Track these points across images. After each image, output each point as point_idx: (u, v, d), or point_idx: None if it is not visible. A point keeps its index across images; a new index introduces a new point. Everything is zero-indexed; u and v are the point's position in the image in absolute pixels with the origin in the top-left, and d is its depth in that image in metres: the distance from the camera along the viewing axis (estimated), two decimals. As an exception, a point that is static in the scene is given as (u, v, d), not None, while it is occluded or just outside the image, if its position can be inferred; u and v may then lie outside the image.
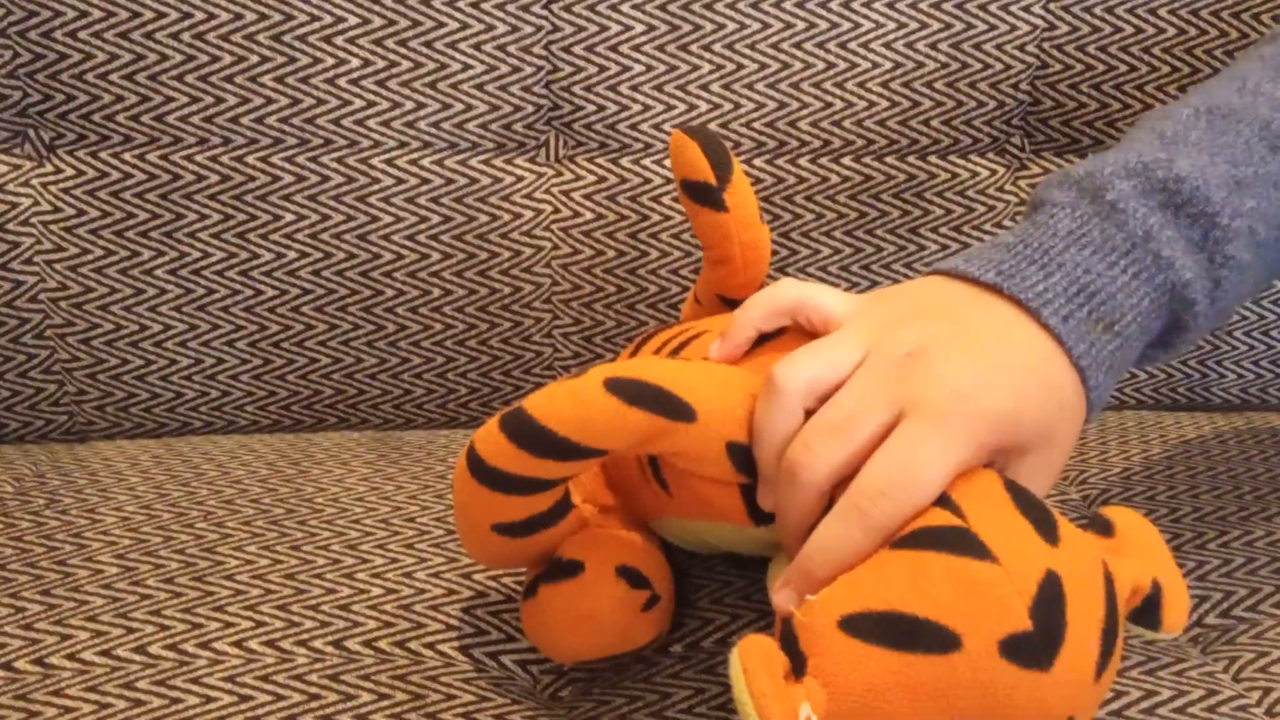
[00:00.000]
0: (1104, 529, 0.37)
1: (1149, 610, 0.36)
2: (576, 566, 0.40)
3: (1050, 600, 0.31)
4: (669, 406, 0.35)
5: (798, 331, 0.41)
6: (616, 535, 0.42)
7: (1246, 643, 0.45)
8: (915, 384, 0.35)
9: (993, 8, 0.62)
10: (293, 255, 0.61)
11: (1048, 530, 0.33)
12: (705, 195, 0.47)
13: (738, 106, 0.62)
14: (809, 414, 0.37)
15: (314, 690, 0.41)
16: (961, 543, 0.32)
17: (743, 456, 0.37)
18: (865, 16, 0.62)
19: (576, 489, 0.42)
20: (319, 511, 0.53)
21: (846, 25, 0.62)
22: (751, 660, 0.30)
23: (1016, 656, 0.30)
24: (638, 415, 0.34)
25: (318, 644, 0.43)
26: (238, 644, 0.43)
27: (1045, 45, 0.63)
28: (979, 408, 0.35)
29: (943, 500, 0.33)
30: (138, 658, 0.42)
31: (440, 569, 0.48)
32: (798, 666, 0.32)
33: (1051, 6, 0.63)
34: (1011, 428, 0.36)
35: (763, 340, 0.42)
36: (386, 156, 0.61)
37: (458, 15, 0.59)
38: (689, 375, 0.36)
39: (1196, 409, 0.71)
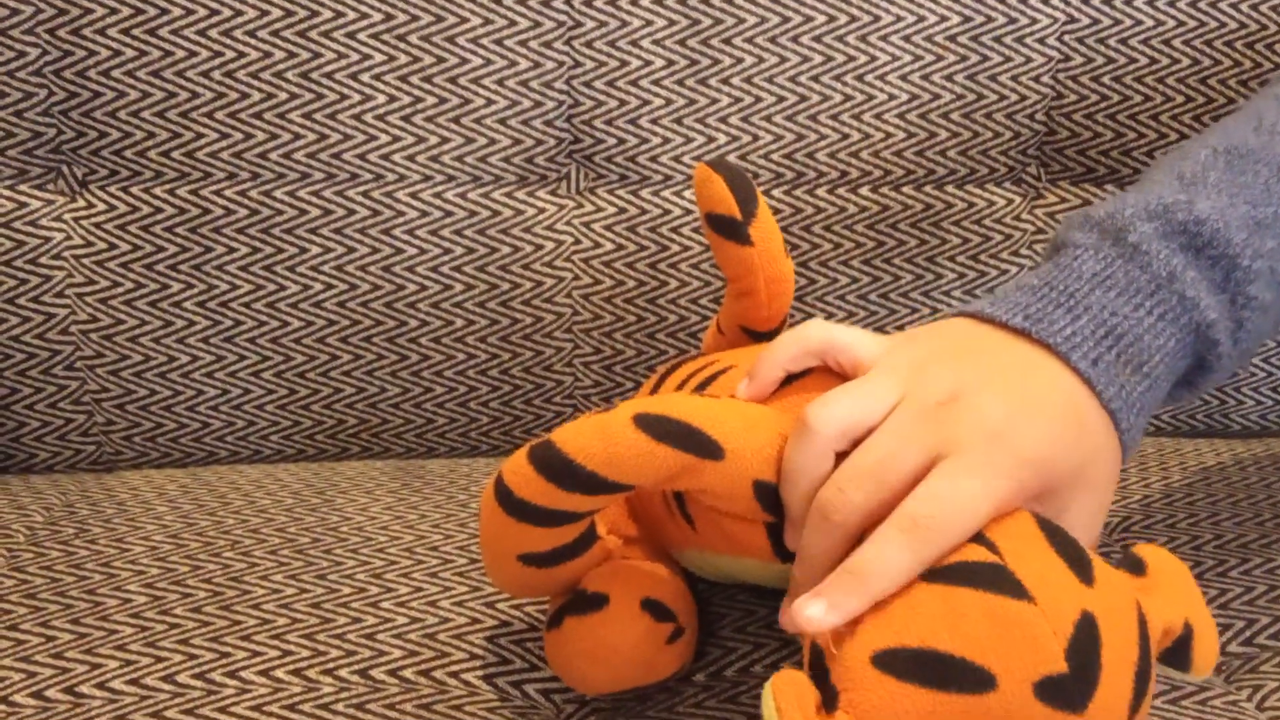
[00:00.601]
0: (1136, 568, 0.37)
1: (1179, 651, 0.36)
2: (601, 599, 0.40)
3: (1086, 641, 0.31)
4: (697, 444, 0.35)
5: (825, 372, 0.41)
6: (641, 568, 0.42)
7: (1270, 671, 0.45)
8: (950, 429, 0.36)
9: (1008, 39, 0.63)
10: (318, 287, 0.62)
11: (1083, 570, 0.33)
12: (730, 229, 0.47)
13: (756, 138, 0.63)
14: (839, 456, 0.37)
15: None
16: (998, 580, 0.32)
17: (769, 496, 0.38)
18: (881, 49, 0.62)
19: (601, 520, 0.43)
20: (344, 540, 0.53)
21: (863, 58, 0.63)
22: (786, 699, 0.30)
23: (1051, 698, 0.30)
24: (666, 452, 0.34)
25: (343, 673, 0.44)
26: (265, 673, 0.43)
27: (1060, 76, 0.64)
28: (1015, 450, 0.35)
29: (978, 538, 0.34)
30: (166, 687, 0.43)
31: (464, 598, 0.48)
32: (828, 700, 0.32)
33: (1066, 38, 0.63)
34: (1047, 471, 0.36)
35: (789, 380, 0.42)
36: (411, 190, 0.62)
37: (481, 52, 0.60)
38: (718, 413, 0.37)
39: (1216, 436, 0.71)
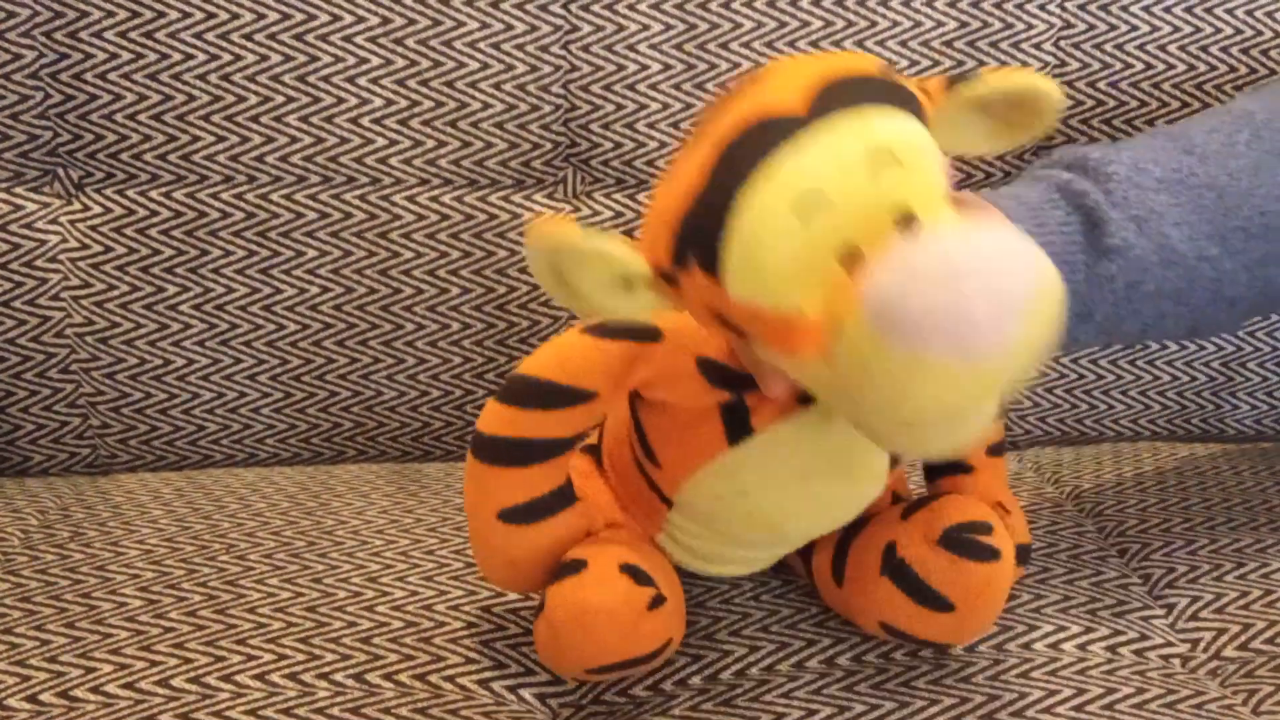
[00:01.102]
0: None
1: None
2: (579, 564, 0.41)
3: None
4: (638, 332, 0.39)
5: None
6: (619, 538, 0.43)
7: (1266, 675, 0.45)
8: None
9: (1004, 45, 0.63)
10: (315, 290, 0.62)
11: None
12: None
13: (752, 143, 0.63)
14: None
15: (336, 723, 0.41)
16: None
17: (714, 371, 0.40)
18: (878, 54, 0.63)
19: (587, 512, 0.43)
20: (340, 544, 0.53)
21: (859, 63, 0.63)
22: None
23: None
24: (610, 345, 0.39)
25: (339, 677, 0.43)
26: (260, 677, 0.43)
27: (1057, 81, 0.64)
28: None
29: None
30: (161, 690, 0.43)
31: (460, 602, 0.48)
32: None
33: (1062, 44, 0.63)
34: None
35: None
36: (408, 194, 0.62)
37: (478, 55, 0.60)
38: (656, 312, 0.39)
39: (1211, 440, 0.71)
